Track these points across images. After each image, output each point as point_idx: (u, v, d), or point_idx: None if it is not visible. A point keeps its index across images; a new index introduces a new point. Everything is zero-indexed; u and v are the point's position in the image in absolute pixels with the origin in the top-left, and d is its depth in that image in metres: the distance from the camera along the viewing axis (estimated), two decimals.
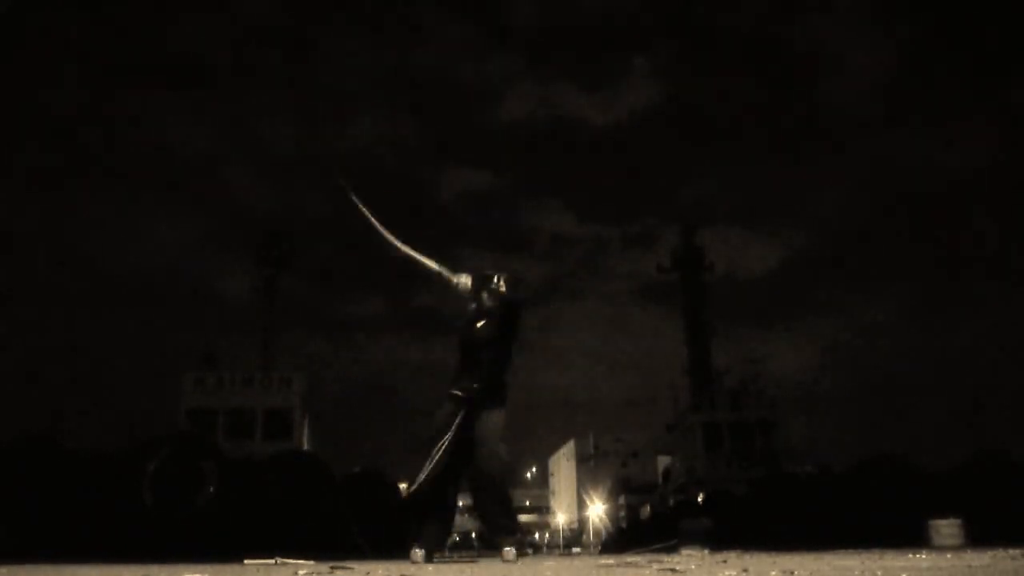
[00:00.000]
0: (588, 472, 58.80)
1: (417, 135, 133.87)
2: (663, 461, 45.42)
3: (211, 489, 8.84)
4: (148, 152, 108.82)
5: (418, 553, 4.89)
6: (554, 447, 74.90)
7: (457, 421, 4.89)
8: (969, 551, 6.82)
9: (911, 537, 10.82)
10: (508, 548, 4.94)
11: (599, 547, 41.09)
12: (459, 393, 4.98)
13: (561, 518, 64.10)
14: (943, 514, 11.11)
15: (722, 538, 12.60)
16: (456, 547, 32.10)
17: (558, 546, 55.51)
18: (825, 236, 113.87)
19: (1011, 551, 5.56)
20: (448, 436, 4.85)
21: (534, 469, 78.85)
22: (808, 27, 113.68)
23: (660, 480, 44.02)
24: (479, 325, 5.09)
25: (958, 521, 10.93)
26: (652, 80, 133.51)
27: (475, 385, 4.97)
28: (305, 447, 26.89)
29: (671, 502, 30.37)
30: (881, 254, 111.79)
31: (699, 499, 19.99)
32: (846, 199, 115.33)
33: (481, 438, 4.93)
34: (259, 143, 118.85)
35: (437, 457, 4.82)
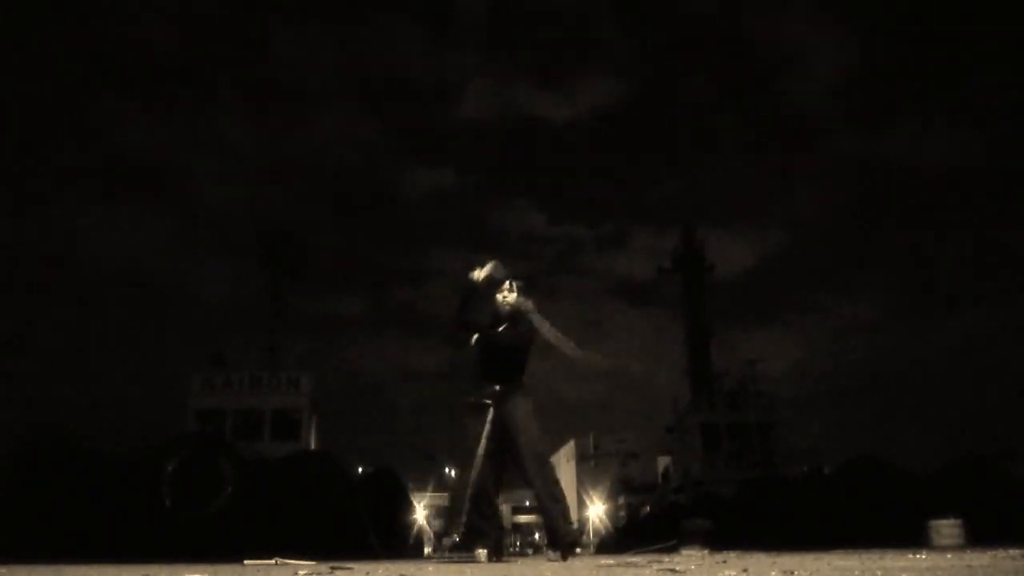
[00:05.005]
0: (588, 472, 58.84)
1: (378, 134, 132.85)
2: (663, 462, 45.53)
3: (229, 489, 9.03)
4: (110, 153, 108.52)
5: (482, 553, 5.14)
6: (554, 447, 74.96)
7: (488, 427, 5.15)
8: (969, 551, 6.95)
9: (909, 537, 11.01)
10: (481, 550, 5.14)
11: (597, 547, 41.24)
12: (486, 400, 5.23)
13: None
14: (940, 514, 11.29)
15: (721, 538, 12.78)
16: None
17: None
18: (801, 236, 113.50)
19: (1011, 551, 5.68)
20: (484, 443, 5.11)
21: None
22: (770, 23, 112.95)
23: (660, 480, 44.16)
24: (500, 330, 5.33)
25: (958, 521, 11.08)
26: (610, 78, 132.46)
27: (497, 388, 5.22)
28: (312, 447, 27.05)
29: (671, 502, 30.54)
30: (859, 253, 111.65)
31: (698, 499, 20.21)
32: (820, 198, 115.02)
33: (517, 428, 5.15)
34: (221, 142, 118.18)
35: (479, 464, 5.07)
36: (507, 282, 5.44)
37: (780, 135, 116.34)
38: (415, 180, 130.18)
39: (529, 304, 5.39)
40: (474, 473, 5.10)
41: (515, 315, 5.35)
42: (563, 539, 5.24)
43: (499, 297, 5.40)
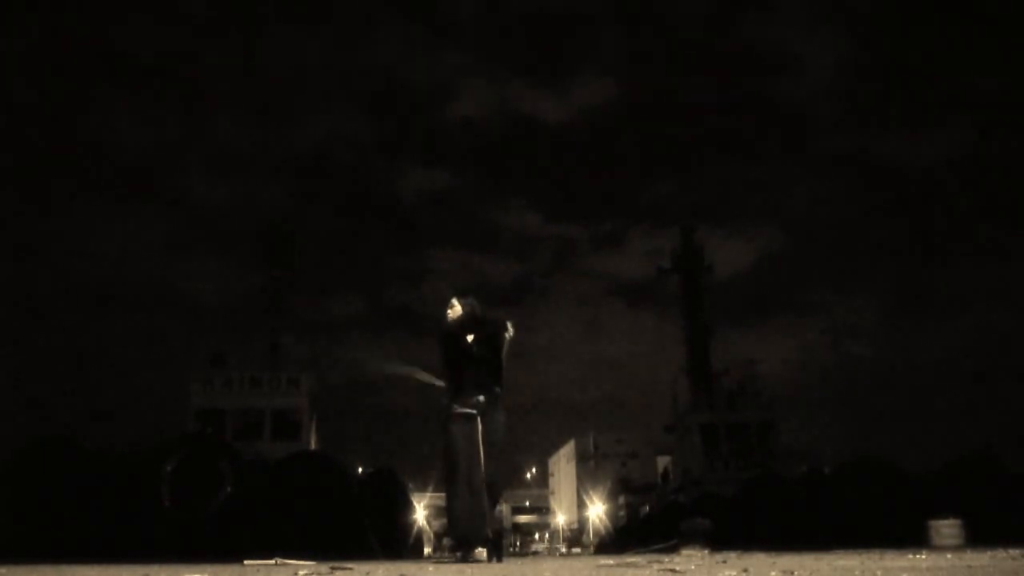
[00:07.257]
0: (588, 472, 58.87)
1: (373, 133, 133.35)
2: (662, 461, 45.54)
3: (228, 489, 9.03)
4: (108, 153, 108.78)
5: (482, 553, 5.16)
6: (554, 447, 74.96)
7: (479, 435, 5.20)
8: (969, 551, 6.96)
9: (909, 537, 11.03)
10: (480, 549, 5.19)
11: (597, 547, 41.24)
12: (470, 410, 5.27)
13: (561, 518, 64.15)
14: (940, 514, 11.31)
15: (721, 538, 12.80)
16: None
17: (558, 546, 55.60)
18: (799, 236, 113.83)
19: (1011, 551, 5.70)
20: (476, 449, 5.16)
21: (534, 469, 78.86)
22: (763, 24, 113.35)
23: (659, 480, 44.15)
24: (470, 341, 5.39)
25: (958, 521, 11.10)
26: (603, 78, 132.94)
27: (481, 399, 5.28)
28: (312, 447, 27.04)
29: (671, 502, 30.53)
30: (857, 253, 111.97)
31: (698, 499, 20.20)
32: (816, 198, 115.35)
33: (487, 443, 5.22)
34: (217, 142, 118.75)
35: (470, 471, 5.12)
36: (452, 299, 5.57)
37: (778, 135, 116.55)
38: (411, 180, 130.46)
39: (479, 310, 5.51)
40: (465, 477, 5.15)
41: (477, 321, 5.44)
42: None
43: (449, 313, 5.54)
